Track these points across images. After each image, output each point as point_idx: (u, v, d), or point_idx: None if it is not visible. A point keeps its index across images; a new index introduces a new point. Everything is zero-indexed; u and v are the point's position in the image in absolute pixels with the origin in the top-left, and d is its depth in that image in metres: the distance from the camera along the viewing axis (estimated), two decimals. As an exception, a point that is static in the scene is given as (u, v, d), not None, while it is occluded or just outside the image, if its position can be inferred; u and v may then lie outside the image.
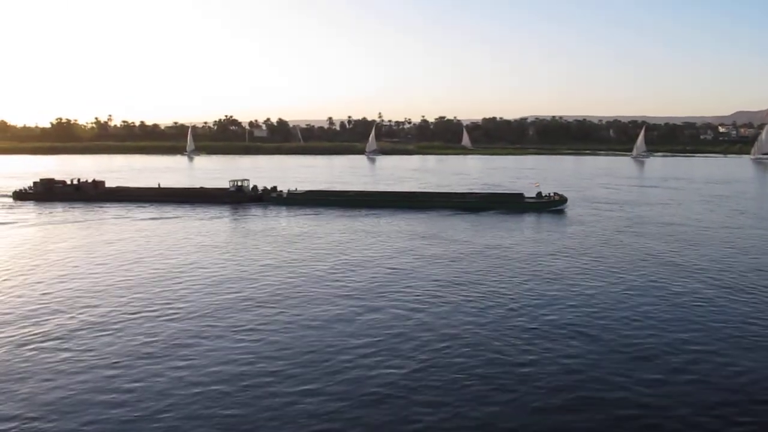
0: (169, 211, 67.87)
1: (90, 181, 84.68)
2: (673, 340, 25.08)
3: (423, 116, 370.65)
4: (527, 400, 19.74)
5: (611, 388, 20.56)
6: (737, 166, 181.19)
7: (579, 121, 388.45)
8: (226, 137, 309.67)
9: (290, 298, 31.24)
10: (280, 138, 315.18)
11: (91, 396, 19.87)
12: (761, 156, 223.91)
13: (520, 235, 52.97)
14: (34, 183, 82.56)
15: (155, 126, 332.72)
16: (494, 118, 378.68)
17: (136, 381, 20.97)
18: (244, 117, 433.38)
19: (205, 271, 37.21)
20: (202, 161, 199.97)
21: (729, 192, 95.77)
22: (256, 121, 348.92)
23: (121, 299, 30.66)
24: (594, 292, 32.63)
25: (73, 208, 71.07)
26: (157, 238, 49.95)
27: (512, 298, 31.17)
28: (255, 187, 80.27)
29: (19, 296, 31.52)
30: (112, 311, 28.61)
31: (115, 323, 26.90)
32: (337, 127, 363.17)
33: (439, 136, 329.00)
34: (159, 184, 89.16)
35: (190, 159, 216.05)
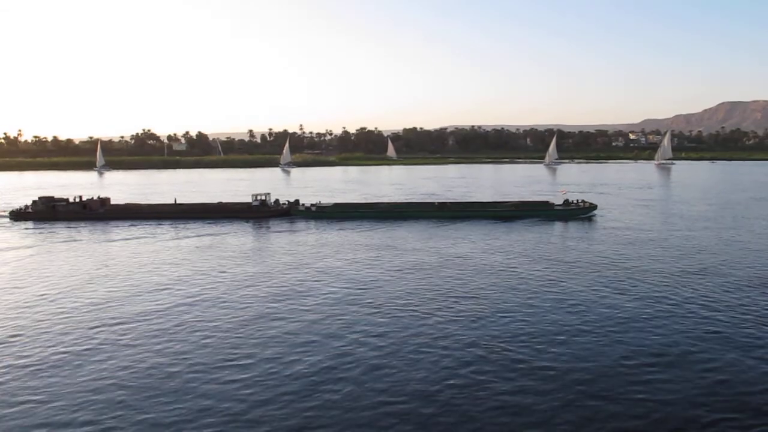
0: (191, 228, 63.14)
1: (96, 198, 78.65)
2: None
3: (344, 127, 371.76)
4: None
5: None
6: (646, 172, 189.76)
7: (497, 130, 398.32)
8: (144, 152, 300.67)
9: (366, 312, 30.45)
10: (200, 151, 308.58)
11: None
12: (663, 161, 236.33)
13: (562, 243, 52.33)
14: (33, 201, 75.93)
15: (69, 141, 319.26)
16: (415, 129, 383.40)
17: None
18: (162, 131, 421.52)
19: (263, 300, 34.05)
20: (115, 176, 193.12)
21: (656, 196, 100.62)
22: (174, 134, 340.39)
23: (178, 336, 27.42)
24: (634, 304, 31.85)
25: (83, 228, 65.19)
26: (195, 261, 45.63)
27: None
28: (277, 200, 76.69)
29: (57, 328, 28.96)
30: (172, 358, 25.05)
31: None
32: (258, 140, 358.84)
33: (360, 147, 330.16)
34: (175, 200, 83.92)
35: (100, 174, 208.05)
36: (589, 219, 67.74)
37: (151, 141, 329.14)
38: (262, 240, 57.14)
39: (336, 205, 77.27)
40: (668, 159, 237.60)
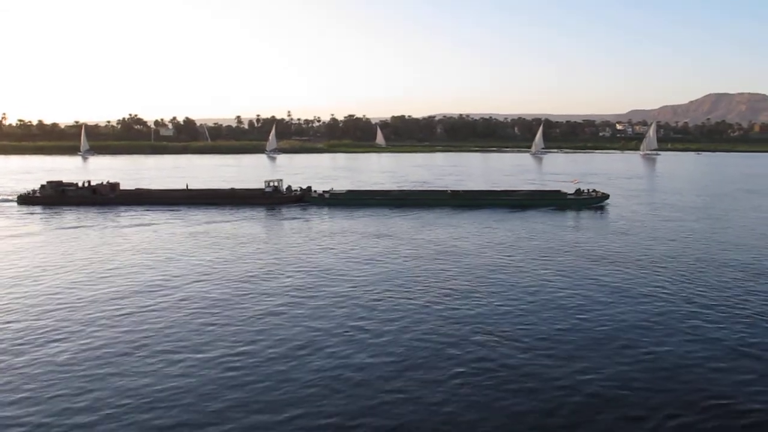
0: (203, 214, 62.26)
1: (105, 182, 77.07)
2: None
3: (332, 114, 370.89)
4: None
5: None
6: (632, 162, 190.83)
7: (485, 119, 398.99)
8: (131, 137, 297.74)
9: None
10: (187, 137, 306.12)
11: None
12: (649, 152, 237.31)
13: (574, 233, 52.33)
14: (42, 186, 74.41)
15: (55, 125, 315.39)
16: (403, 116, 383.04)
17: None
18: (149, 116, 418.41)
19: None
20: (101, 161, 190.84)
21: (648, 186, 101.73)
22: (161, 120, 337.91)
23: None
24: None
25: (92, 213, 63.76)
26: (205, 247, 44.95)
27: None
28: (290, 187, 76.34)
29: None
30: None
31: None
32: (246, 126, 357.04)
33: (348, 134, 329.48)
34: (187, 186, 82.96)
35: (84, 159, 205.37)
36: (601, 208, 68.40)
37: (138, 126, 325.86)
38: (275, 227, 56.77)
39: (349, 192, 77.71)
40: (653, 150, 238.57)
